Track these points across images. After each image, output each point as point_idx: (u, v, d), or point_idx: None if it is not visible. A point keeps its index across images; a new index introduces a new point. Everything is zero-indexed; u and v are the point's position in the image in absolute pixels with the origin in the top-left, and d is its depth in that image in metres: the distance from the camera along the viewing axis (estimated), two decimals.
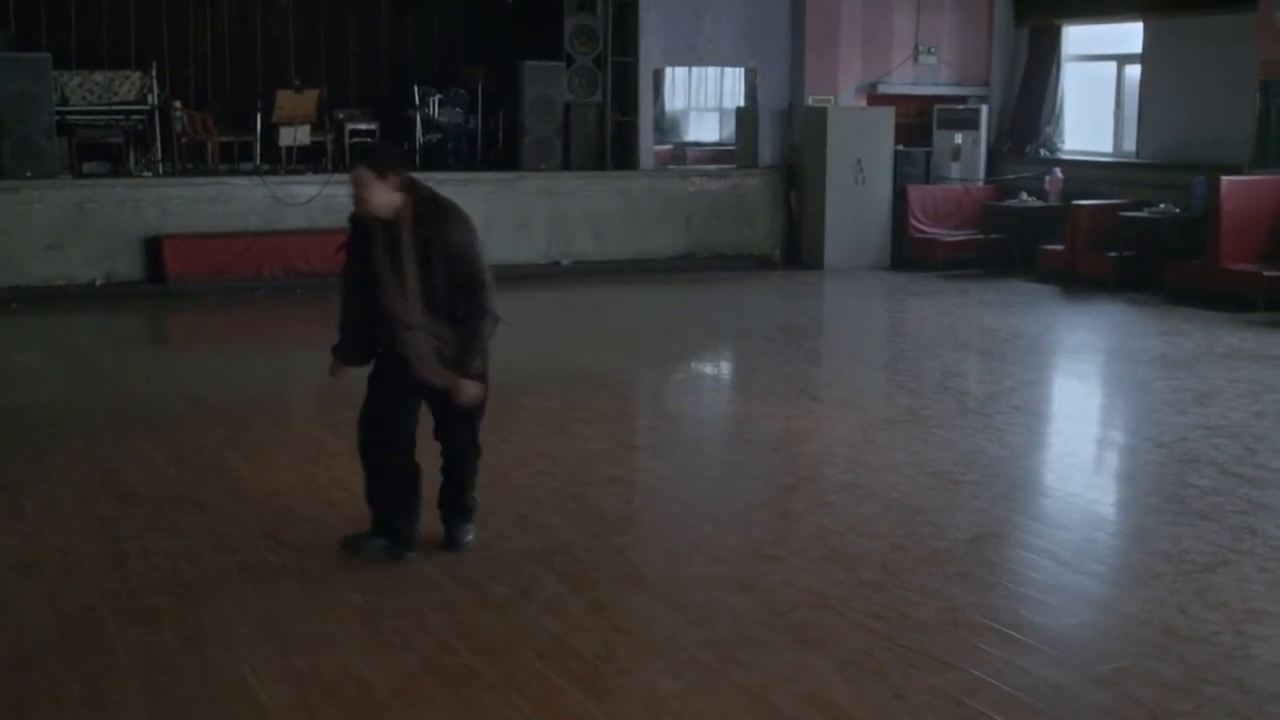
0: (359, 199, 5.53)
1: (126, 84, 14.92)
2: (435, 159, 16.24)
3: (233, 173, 15.03)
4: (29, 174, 13.52)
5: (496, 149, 16.67)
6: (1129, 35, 15.62)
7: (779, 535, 6.32)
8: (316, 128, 15.44)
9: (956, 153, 16.76)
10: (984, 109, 16.82)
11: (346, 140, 15.88)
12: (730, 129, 18.04)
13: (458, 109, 16.65)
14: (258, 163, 15.30)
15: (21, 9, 15.77)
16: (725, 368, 11.47)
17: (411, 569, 5.76)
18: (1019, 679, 4.65)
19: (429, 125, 16.51)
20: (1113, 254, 14.34)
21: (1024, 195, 15.95)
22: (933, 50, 17.00)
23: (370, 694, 4.54)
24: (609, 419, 8.75)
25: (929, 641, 4.96)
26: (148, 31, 16.49)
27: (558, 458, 7.60)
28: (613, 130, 16.30)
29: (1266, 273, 12.97)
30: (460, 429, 5.86)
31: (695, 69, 18.38)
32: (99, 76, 14.84)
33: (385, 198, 5.50)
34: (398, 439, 5.81)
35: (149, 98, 14.93)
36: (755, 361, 11.03)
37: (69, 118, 14.51)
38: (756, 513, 6.68)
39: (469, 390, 5.64)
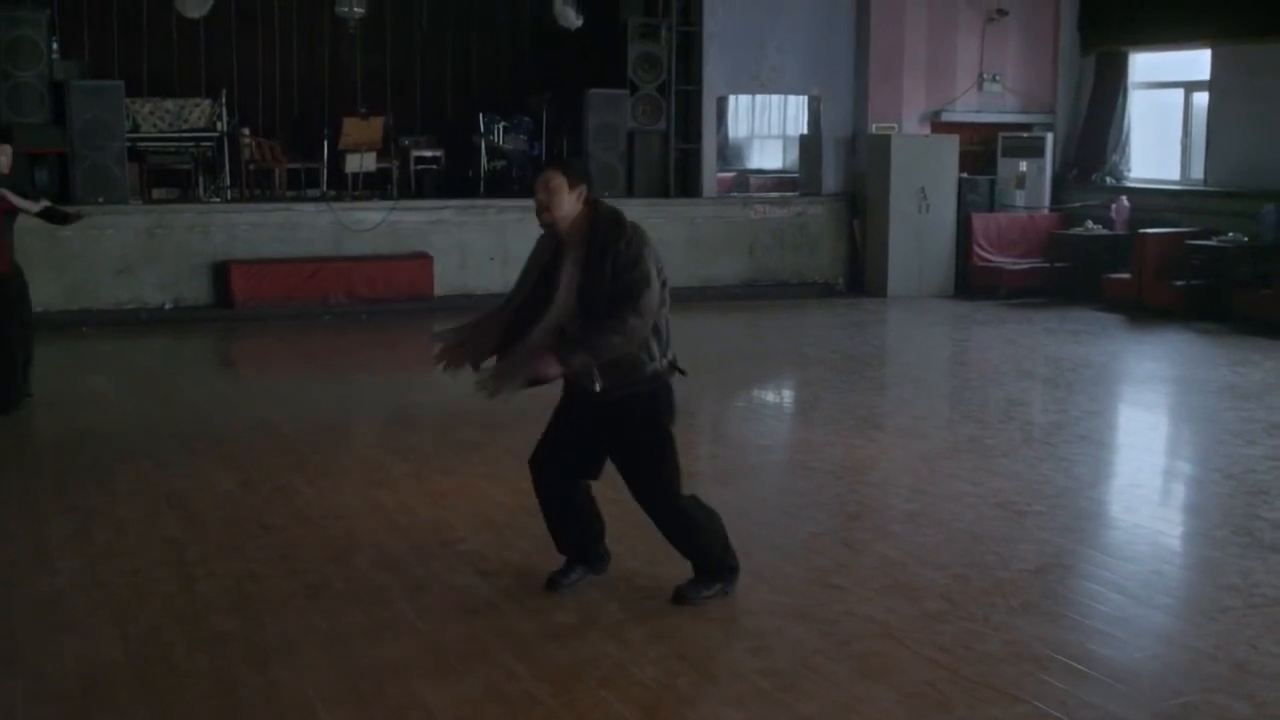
0: (543, 204, 5.35)
1: (196, 111, 15.14)
2: (500, 186, 16.34)
3: (299, 199, 15.19)
4: (101, 200, 13.72)
5: None
6: (1197, 62, 15.50)
7: (841, 564, 6.29)
8: (382, 154, 15.61)
9: (1021, 180, 16.68)
10: (1049, 136, 16.74)
11: (412, 167, 16.04)
12: (794, 157, 18.03)
13: (522, 136, 16.76)
14: (324, 189, 15.48)
15: (95, 38, 16.04)
16: (787, 395, 11.44)
17: (474, 595, 5.78)
18: (1085, 713, 4.60)
19: (494, 152, 16.62)
20: (1180, 283, 14.20)
21: (1090, 223, 15.84)
22: (997, 78, 16.94)
23: (433, 719, 4.56)
24: None
25: (993, 674, 4.92)
26: (217, 60, 16.73)
27: (620, 485, 7.58)
28: (676, 158, 16.35)
29: None
30: (642, 483, 5.64)
31: (759, 96, 18.39)
32: (170, 104, 15.07)
33: (570, 208, 5.36)
34: (559, 476, 5.70)
35: (218, 125, 15.14)
36: (818, 389, 10.99)
37: (140, 144, 14.73)
38: (819, 541, 6.66)
39: (548, 366, 5.27)
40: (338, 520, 6.90)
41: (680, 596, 5.67)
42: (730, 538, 5.81)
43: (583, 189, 5.39)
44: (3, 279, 9.46)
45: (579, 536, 5.89)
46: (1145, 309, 14.42)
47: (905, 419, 9.84)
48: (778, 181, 18.30)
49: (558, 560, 6.00)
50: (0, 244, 9.43)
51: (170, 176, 15.27)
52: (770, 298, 15.87)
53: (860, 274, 16.55)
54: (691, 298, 15.47)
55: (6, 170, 9.60)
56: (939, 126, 16.75)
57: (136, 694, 4.75)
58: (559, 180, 5.34)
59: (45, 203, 9.88)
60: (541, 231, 5.57)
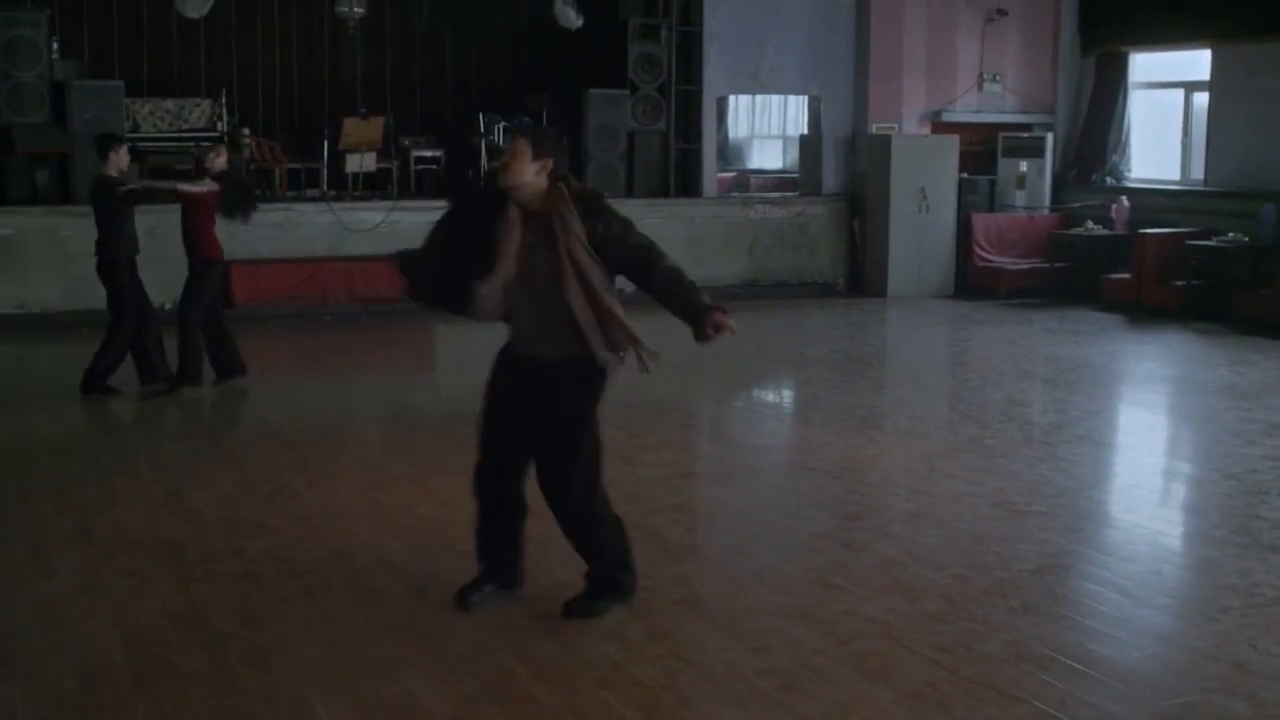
0: (503, 164, 5.20)
1: (196, 111, 15.13)
2: None
3: (299, 199, 15.16)
4: None
5: None
6: (1197, 62, 15.49)
7: (841, 564, 6.29)
8: (382, 155, 15.60)
9: (1021, 181, 16.67)
10: (1049, 137, 16.73)
11: (412, 167, 16.03)
12: (793, 157, 18.04)
13: None
14: (324, 189, 15.46)
15: (95, 38, 16.03)
16: (787, 395, 11.44)
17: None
18: (1084, 713, 4.60)
19: (494, 152, 16.61)
20: (1180, 283, 14.20)
21: (1090, 224, 15.83)
22: (998, 78, 16.93)
23: (432, 719, 4.56)
24: (670, 446, 8.75)
25: (993, 674, 4.92)
26: (217, 60, 16.71)
27: (619, 485, 7.55)
28: (676, 158, 16.35)
29: None
30: (565, 484, 5.47)
31: (758, 97, 18.40)
32: (170, 104, 15.05)
33: (527, 178, 5.17)
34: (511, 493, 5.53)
35: (218, 125, 15.12)
36: (817, 389, 10.99)
37: (140, 144, 14.70)
38: (818, 542, 6.66)
39: (726, 319, 5.52)
40: (337, 520, 6.90)
41: (570, 610, 5.45)
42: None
43: (548, 162, 5.21)
44: (214, 263, 10.62)
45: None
46: (1145, 309, 14.41)
47: (905, 419, 9.84)
48: (778, 181, 18.31)
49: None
50: (211, 229, 10.39)
51: (170, 177, 15.23)
52: (770, 298, 15.86)
53: (860, 274, 16.55)
54: None
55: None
56: (939, 127, 16.74)
57: (136, 694, 4.75)
58: (522, 146, 5.19)
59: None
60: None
